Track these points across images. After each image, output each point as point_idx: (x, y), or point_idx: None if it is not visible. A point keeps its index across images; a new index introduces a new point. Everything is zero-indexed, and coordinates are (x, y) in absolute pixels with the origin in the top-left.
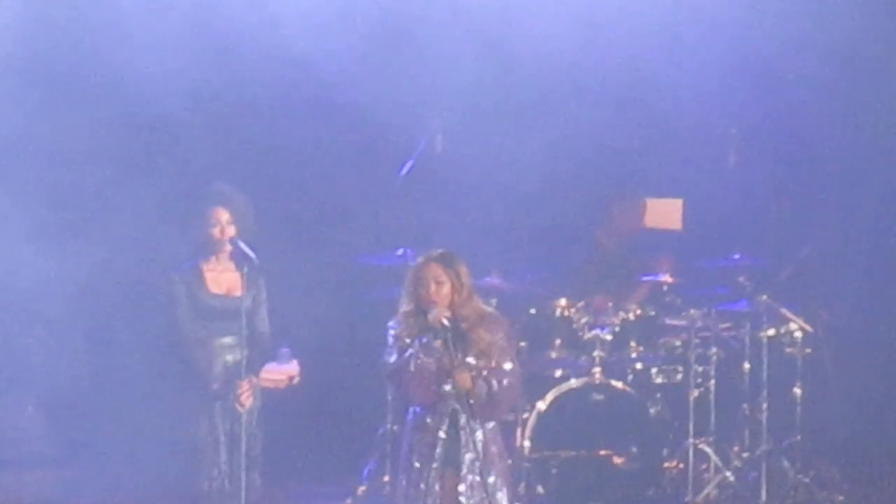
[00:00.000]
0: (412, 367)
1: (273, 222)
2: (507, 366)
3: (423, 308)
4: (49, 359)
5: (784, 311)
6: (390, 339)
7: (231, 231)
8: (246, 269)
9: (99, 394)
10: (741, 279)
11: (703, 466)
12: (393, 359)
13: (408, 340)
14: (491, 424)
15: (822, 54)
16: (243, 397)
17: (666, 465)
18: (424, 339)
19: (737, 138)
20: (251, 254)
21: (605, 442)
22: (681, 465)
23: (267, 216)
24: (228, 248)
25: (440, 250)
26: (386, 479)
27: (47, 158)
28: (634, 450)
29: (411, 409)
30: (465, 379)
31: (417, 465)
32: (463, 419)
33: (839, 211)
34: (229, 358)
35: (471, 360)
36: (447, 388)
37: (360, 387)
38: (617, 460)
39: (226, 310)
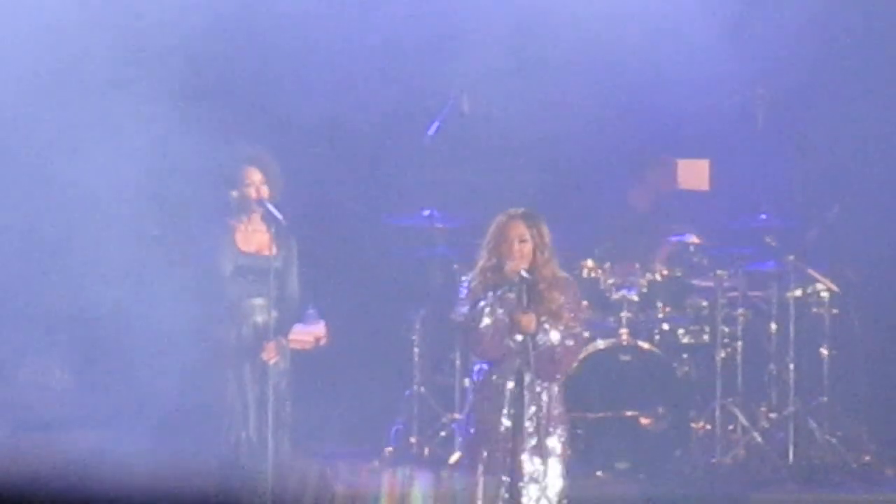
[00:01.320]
0: (484, 320)
1: (301, 184)
2: (575, 329)
3: (502, 263)
4: (77, 319)
5: (811, 271)
6: (463, 293)
7: (264, 192)
8: (275, 230)
9: (127, 354)
10: (768, 239)
11: (731, 427)
12: (465, 311)
13: (482, 294)
14: (556, 388)
15: (852, 11)
16: (271, 358)
17: (693, 425)
18: (499, 292)
19: (765, 98)
20: (279, 216)
21: (633, 403)
22: (708, 426)
23: (295, 178)
24: (260, 209)
25: (523, 208)
26: (413, 440)
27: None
28: (661, 410)
29: (478, 366)
30: (530, 322)
31: (482, 424)
32: (528, 378)
33: (867, 171)
34: (259, 319)
35: (542, 318)
36: (515, 341)
37: (387, 348)
38: (644, 421)
39: (256, 269)
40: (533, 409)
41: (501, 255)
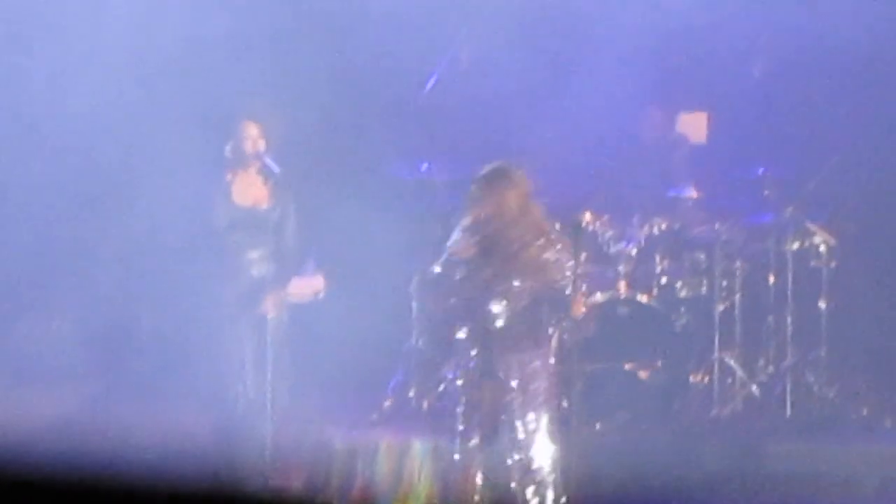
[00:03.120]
0: (458, 275)
1: (299, 137)
2: (560, 284)
3: (478, 221)
4: (72, 272)
5: (809, 223)
6: (444, 255)
7: (260, 145)
8: (272, 183)
9: (123, 306)
10: (766, 192)
11: (729, 380)
12: (438, 270)
13: (465, 254)
14: (542, 352)
15: None
16: (269, 311)
17: (691, 378)
18: (476, 251)
19: (763, 49)
20: (277, 169)
21: (631, 355)
22: (706, 379)
23: (293, 131)
24: (256, 162)
25: (496, 165)
26: (411, 393)
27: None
28: (660, 363)
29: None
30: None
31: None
32: (500, 344)
33: (865, 122)
34: (255, 272)
35: (517, 281)
36: (490, 307)
37: (386, 301)
38: (642, 373)
39: (253, 222)
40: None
41: (478, 213)
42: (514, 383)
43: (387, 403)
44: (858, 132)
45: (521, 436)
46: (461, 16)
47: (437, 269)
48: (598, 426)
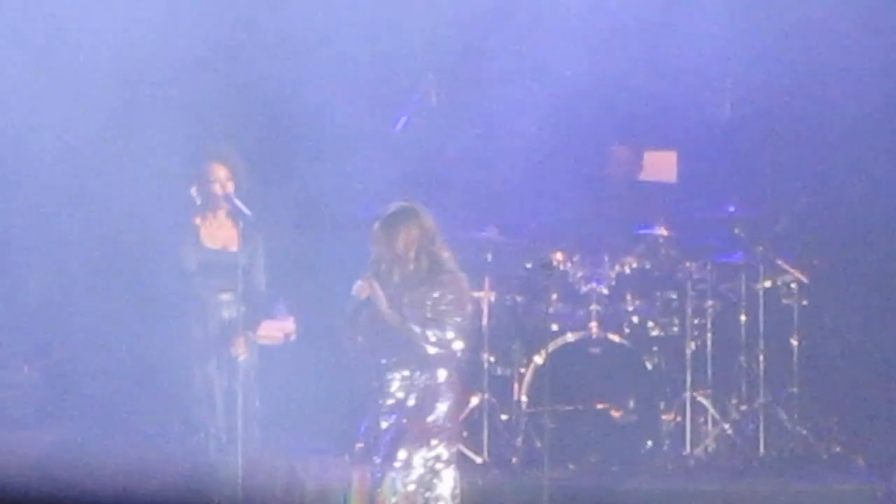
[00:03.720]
0: (363, 313)
1: (269, 178)
2: (455, 320)
3: (380, 259)
4: (44, 316)
5: (780, 262)
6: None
7: (229, 187)
8: (242, 225)
9: (93, 351)
10: (737, 230)
11: (701, 419)
12: (352, 305)
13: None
14: (442, 385)
15: (816, 4)
16: (240, 353)
17: (663, 417)
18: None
19: (732, 89)
20: (246, 210)
21: (603, 395)
22: (678, 418)
23: (263, 172)
24: (225, 204)
25: (398, 205)
26: None
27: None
28: (632, 403)
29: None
30: (394, 319)
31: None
32: (405, 372)
33: (834, 161)
34: (225, 314)
35: (414, 323)
36: (393, 334)
37: None
38: (614, 414)
39: (222, 265)
40: (413, 403)
41: (381, 251)
42: (423, 416)
43: (359, 445)
44: (828, 170)
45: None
46: (430, 56)
47: (347, 310)
48: (570, 467)
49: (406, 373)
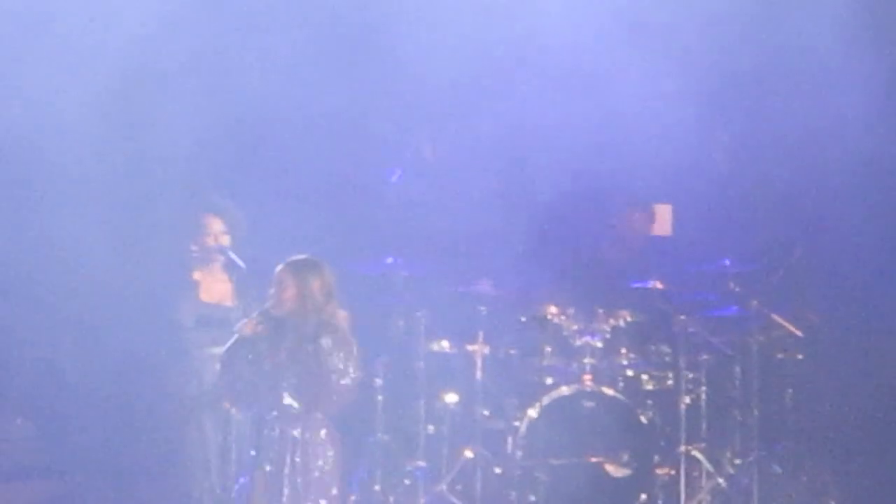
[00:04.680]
0: (238, 357)
1: (263, 231)
2: (340, 382)
3: (270, 307)
4: (38, 368)
5: (774, 316)
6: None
7: (224, 240)
8: (236, 279)
9: (89, 404)
10: (731, 284)
11: (695, 473)
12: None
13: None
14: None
15: (807, 59)
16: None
17: (658, 471)
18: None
19: (726, 144)
20: (241, 264)
21: (597, 449)
22: (673, 472)
23: (258, 225)
24: (220, 257)
25: (305, 256)
26: (377, 488)
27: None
28: (626, 457)
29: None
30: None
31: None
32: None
33: (829, 215)
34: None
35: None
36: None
37: None
38: (609, 467)
39: (217, 319)
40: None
41: (280, 295)
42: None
43: (352, 498)
44: (823, 224)
45: None
46: (425, 109)
47: (226, 348)
48: None
49: (282, 426)
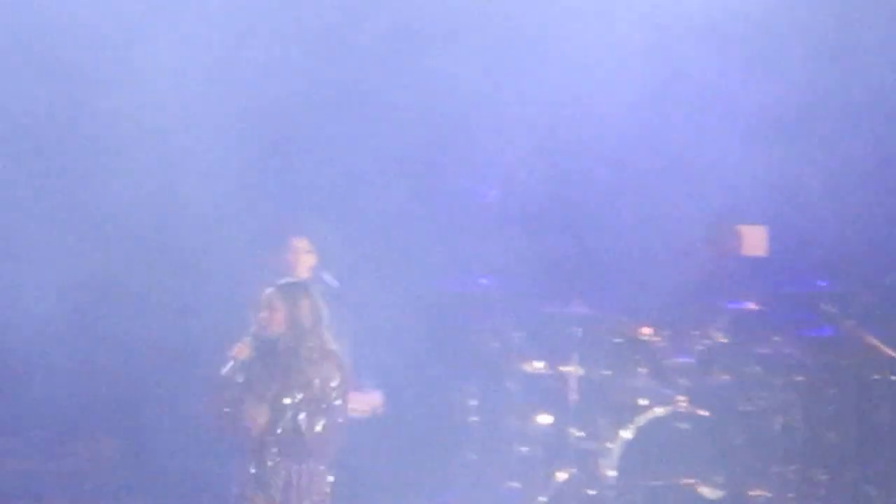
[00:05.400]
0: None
1: (356, 251)
2: (334, 407)
3: (264, 329)
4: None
5: (869, 337)
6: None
7: (309, 260)
8: (328, 298)
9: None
10: (826, 305)
11: (790, 495)
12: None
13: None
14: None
15: None
16: None
17: (751, 493)
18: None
19: (823, 165)
20: (334, 283)
21: (691, 470)
22: (766, 494)
23: (350, 245)
24: (307, 276)
25: (288, 279)
26: None
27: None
28: (720, 478)
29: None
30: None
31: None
32: (273, 461)
33: None
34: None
35: (289, 393)
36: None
37: (441, 414)
38: (702, 489)
39: None
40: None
41: (269, 319)
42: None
43: None
44: None
45: None
46: (522, 130)
47: (222, 372)
48: None
49: (277, 459)
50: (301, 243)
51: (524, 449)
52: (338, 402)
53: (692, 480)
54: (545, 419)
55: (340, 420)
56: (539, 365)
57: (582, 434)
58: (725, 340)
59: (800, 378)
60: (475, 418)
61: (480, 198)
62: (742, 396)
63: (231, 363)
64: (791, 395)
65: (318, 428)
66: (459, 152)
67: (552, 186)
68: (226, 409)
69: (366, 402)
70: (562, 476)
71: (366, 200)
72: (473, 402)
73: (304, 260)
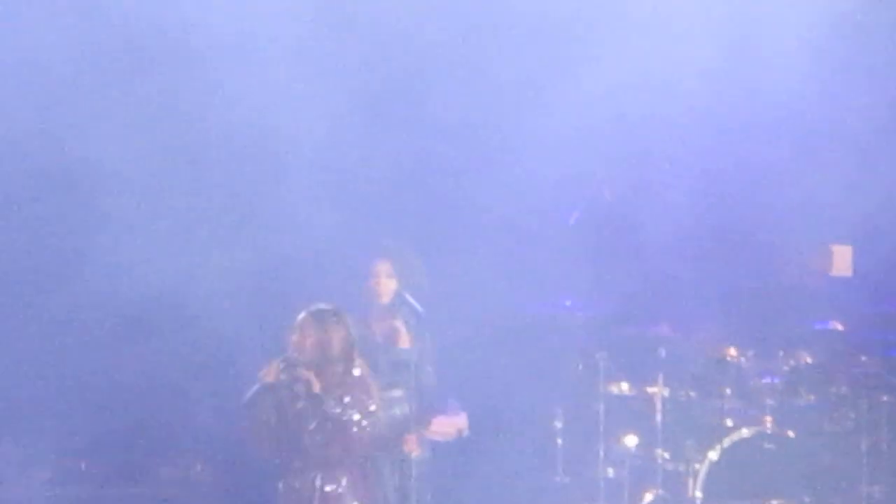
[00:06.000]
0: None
1: (439, 274)
2: (362, 425)
3: (296, 353)
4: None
5: None
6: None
7: (391, 284)
8: (412, 322)
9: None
10: None
11: None
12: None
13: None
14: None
15: None
16: (412, 450)
17: None
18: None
19: None
20: (418, 307)
21: (777, 491)
22: None
23: (434, 268)
24: (390, 300)
25: (321, 306)
26: None
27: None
28: (807, 499)
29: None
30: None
31: None
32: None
33: None
34: (397, 411)
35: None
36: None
37: (530, 438)
38: None
39: (393, 362)
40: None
41: (303, 343)
42: None
43: None
44: None
45: None
46: (604, 152)
47: (249, 394)
48: None
49: (307, 477)
50: (384, 267)
51: (611, 471)
52: (361, 430)
53: (778, 501)
54: (631, 441)
55: (364, 442)
56: (625, 386)
57: (668, 455)
58: (811, 361)
59: (886, 398)
60: (561, 440)
61: (565, 220)
62: (828, 417)
63: (259, 385)
64: (877, 415)
65: (342, 449)
66: (545, 175)
67: (636, 208)
68: (262, 432)
69: (451, 424)
70: (648, 498)
71: (450, 223)
72: (559, 425)
73: (385, 284)
